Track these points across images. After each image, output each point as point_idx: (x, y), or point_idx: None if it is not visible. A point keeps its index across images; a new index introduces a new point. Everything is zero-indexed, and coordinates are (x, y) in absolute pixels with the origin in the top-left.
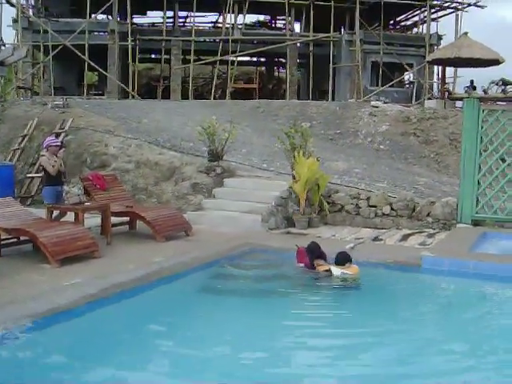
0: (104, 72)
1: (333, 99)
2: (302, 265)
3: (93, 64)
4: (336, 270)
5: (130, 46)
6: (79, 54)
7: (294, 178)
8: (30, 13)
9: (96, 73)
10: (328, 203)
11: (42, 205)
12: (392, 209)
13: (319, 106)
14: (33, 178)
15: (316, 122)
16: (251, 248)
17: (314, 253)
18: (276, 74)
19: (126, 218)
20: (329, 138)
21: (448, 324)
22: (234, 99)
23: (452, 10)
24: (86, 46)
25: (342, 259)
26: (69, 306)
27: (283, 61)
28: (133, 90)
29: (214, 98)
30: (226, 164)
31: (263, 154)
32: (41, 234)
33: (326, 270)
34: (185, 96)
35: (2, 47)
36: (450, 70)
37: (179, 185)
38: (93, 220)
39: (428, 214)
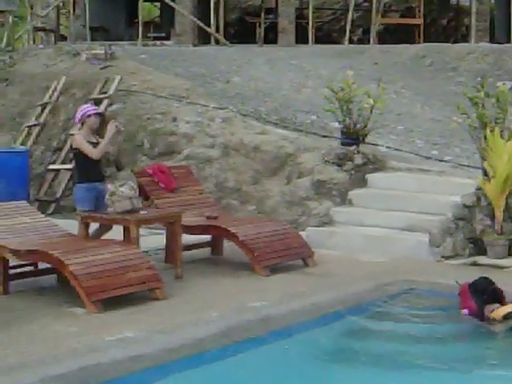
0: (170, 2)
1: None
2: (465, 311)
3: None
4: None
5: None
6: None
7: (484, 173)
8: None
9: (157, 4)
10: None
11: (73, 213)
12: None
13: None
14: (58, 170)
15: None
16: (411, 287)
17: (483, 294)
18: (453, 0)
19: (207, 237)
20: None
21: None
22: (383, 43)
23: None
24: None
25: None
26: (112, 376)
27: None
28: (217, 30)
29: (350, 42)
30: (370, 150)
31: (432, 133)
32: (70, 260)
33: (505, 317)
34: (301, 39)
35: None
36: None
37: (293, 183)
38: (153, 239)
39: None
